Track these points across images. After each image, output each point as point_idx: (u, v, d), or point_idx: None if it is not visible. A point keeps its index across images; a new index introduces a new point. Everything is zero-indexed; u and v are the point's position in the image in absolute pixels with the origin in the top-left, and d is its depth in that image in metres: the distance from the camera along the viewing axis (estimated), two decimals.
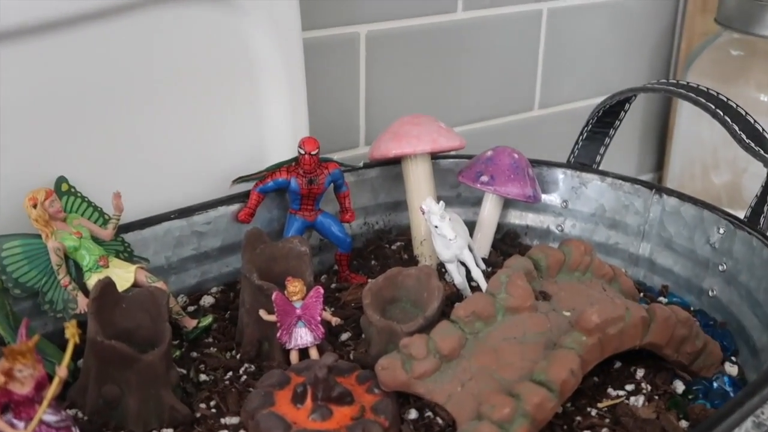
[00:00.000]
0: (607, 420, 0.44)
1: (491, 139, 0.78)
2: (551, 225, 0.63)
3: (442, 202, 0.52)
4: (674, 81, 0.58)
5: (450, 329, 0.45)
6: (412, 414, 0.45)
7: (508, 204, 0.63)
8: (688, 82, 0.57)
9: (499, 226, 0.64)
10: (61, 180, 0.51)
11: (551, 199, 0.63)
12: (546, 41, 0.79)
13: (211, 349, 0.51)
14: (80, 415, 0.44)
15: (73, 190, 0.51)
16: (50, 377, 0.43)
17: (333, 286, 0.59)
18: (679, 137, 0.79)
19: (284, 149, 0.60)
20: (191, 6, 0.55)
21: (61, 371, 0.37)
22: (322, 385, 0.43)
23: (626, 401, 0.46)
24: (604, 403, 0.46)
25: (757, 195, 0.54)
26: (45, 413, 0.38)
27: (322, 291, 0.48)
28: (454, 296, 0.55)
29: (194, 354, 0.51)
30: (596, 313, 0.43)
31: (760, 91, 0.71)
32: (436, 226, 0.53)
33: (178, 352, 0.50)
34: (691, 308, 0.56)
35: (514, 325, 0.45)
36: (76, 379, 0.46)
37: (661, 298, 0.57)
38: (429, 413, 0.45)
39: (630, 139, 0.89)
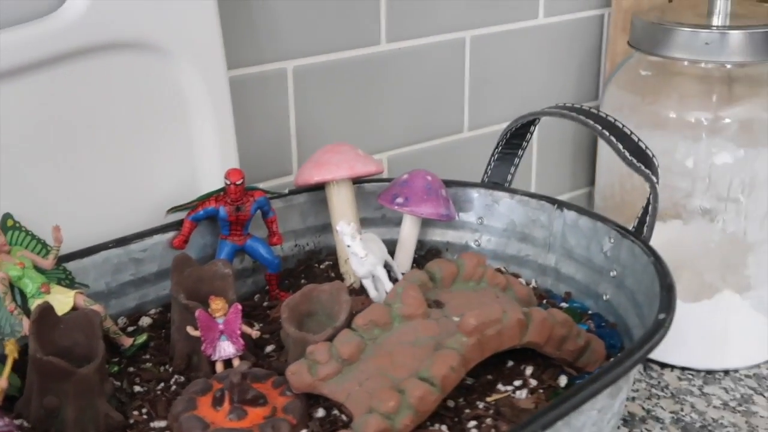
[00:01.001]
0: (491, 411, 0.51)
1: (422, 161, 0.85)
2: (469, 240, 0.70)
3: (352, 223, 0.60)
4: (569, 105, 0.65)
5: (350, 336, 0.52)
6: (320, 412, 0.51)
7: (429, 223, 0.70)
8: (581, 106, 0.65)
9: (422, 243, 0.71)
10: (6, 216, 0.58)
11: (468, 216, 0.70)
12: (471, 66, 0.85)
13: (147, 364, 0.58)
14: (26, 424, 0.51)
15: (17, 224, 0.58)
16: None
17: (265, 304, 0.66)
18: (601, 154, 0.87)
19: (215, 180, 0.66)
20: (121, 53, 0.62)
21: (2, 382, 0.45)
22: (237, 389, 0.50)
23: (512, 395, 0.53)
24: (492, 398, 0.53)
25: (642, 206, 0.62)
26: None
27: (240, 308, 0.55)
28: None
29: (131, 369, 0.57)
30: (474, 317, 0.50)
31: (668, 108, 0.78)
32: (348, 246, 0.61)
33: (116, 368, 0.57)
34: (589, 311, 0.63)
35: (408, 331, 0.52)
36: (22, 394, 0.53)
37: (563, 304, 0.64)
38: (335, 411, 0.51)
39: (564, 156, 0.97)
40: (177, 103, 0.66)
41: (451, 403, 0.52)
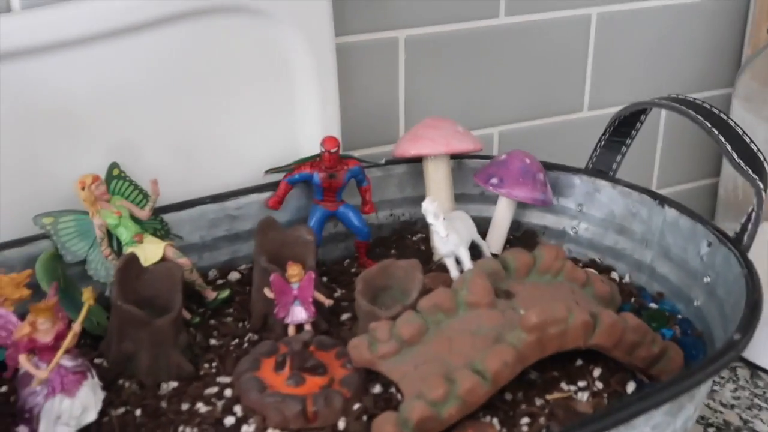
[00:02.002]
0: (546, 411, 0.50)
1: (536, 138, 0.83)
2: (567, 227, 0.69)
3: (436, 202, 0.60)
4: (681, 96, 0.61)
5: (413, 318, 0.52)
6: (377, 388, 0.52)
7: (528, 205, 0.69)
8: (693, 99, 0.61)
9: (520, 224, 0.70)
10: (113, 165, 0.61)
11: (567, 202, 0.68)
12: (596, 45, 0.81)
13: (228, 318, 0.60)
14: (104, 364, 0.54)
15: (122, 174, 0.61)
16: (87, 330, 0.55)
17: (352, 270, 0.67)
18: None
19: (315, 145, 0.66)
20: (231, 16, 0.64)
21: (76, 327, 0.48)
22: (299, 357, 0.52)
23: (573, 396, 0.51)
24: (553, 396, 0.51)
25: (747, 213, 0.58)
26: (63, 359, 0.47)
27: (313, 276, 0.56)
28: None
29: (212, 321, 0.60)
30: (536, 314, 0.49)
31: None
32: (431, 224, 0.61)
33: (198, 319, 0.60)
34: (679, 315, 0.60)
35: (471, 319, 0.52)
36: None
37: (652, 304, 0.62)
38: (392, 389, 0.52)
39: (692, 143, 0.91)
40: (282, 67, 0.67)
41: (508, 396, 0.51)
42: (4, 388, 0.52)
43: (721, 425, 0.72)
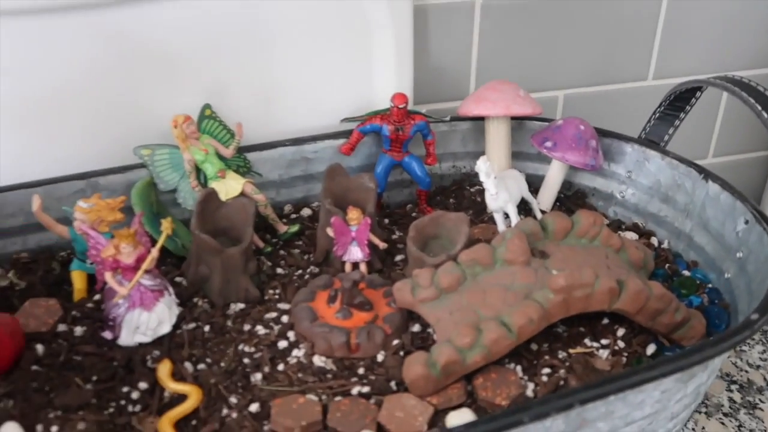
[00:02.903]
0: (567, 364, 0.49)
1: (599, 103, 0.79)
2: (615, 191, 0.65)
3: (489, 162, 0.58)
4: (737, 78, 0.57)
5: (452, 268, 0.51)
6: (416, 328, 0.52)
7: (575, 168, 0.66)
8: (747, 81, 0.56)
9: (571, 185, 0.67)
10: (205, 106, 0.61)
11: (618, 168, 0.65)
12: (667, 12, 0.76)
13: (296, 250, 0.60)
14: (184, 283, 0.55)
15: (213, 114, 0.61)
16: (173, 252, 0.56)
17: (413, 215, 0.66)
18: None
19: (388, 99, 0.64)
20: None
21: (154, 252, 0.49)
22: (348, 293, 0.52)
23: (595, 352, 0.50)
24: (576, 350, 0.50)
25: None
26: (143, 278, 0.48)
27: (369, 221, 0.55)
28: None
29: (282, 252, 0.60)
30: (564, 277, 0.47)
31: None
32: (482, 181, 0.59)
33: (270, 248, 0.60)
34: (709, 285, 0.57)
35: (506, 275, 0.50)
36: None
37: (685, 272, 0.59)
38: (429, 330, 0.51)
39: (747, 117, 0.85)
40: (362, 25, 0.65)
41: (534, 346, 0.50)
42: (97, 296, 0.53)
43: (744, 383, 0.69)
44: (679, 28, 0.78)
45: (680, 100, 0.62)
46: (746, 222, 0.55)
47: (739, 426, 0.65)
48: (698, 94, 0.62)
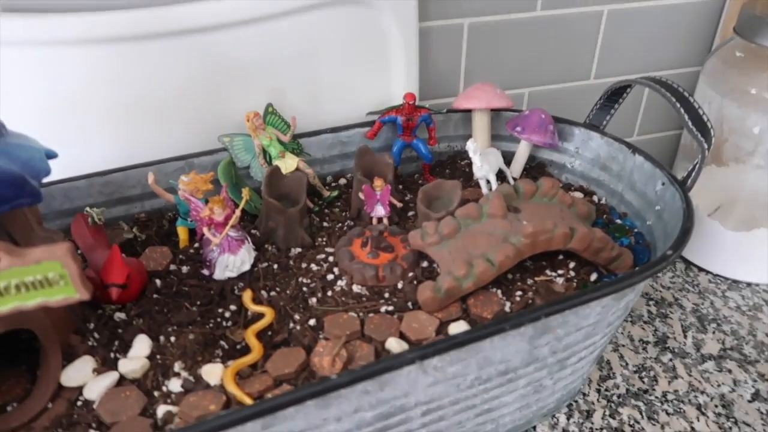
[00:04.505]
0: (534, 288, 0.49)
1: (554, 98, 0.77)
2: (566, 162, 0.64)
3: (475, 143, 0.57)
4: (656, 77, 0.56)
5: (451, 221, 0.51)
6: (424, 264, 0.52)
7: (538, 146, 0.66)
8: (665, 80, 0.55)
9: (534, 158, 0.66)
10: (268, 105, 0.60)
11: (569, 145, 0.63)
12: (605, 32, 0.74)
13: (336, 209, 0.60)
14: (257, 234, 0.55)
15: (274, 111, 0.60)
16: (248, 212, 0.56)
17: (420, 182, 0.65)
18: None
19: (401, 97, 0.65)
20: (349, 7, 0.61)
21: (237, 211, 0.49)
22: (376, 239, 0.52)
23: (553, 280, 0.50)
24: (540, 278, 0.50)
25: (693, 163, 0.53)
26: (230, 231, 0.49)
27: (390, 188, 0.55)
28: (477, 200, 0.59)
29: (326, 210, 0.60)
30: (531, 226, 0.47)
31: (750, 85, 0.64)
32: (471, 157, 0.59)
33: (317, 208, 0.59)
34: (635, 229, 0.57)
35: (490, 225, 0.50)
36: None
37: (618, 220, 0.58)
38: (434, 265, 0.51)
39: (663, 107, 0.84)
40: (380, 43, 0.64)
41: (509, 276, 0.50)
42: (196, 245, 0.54)
43: (659, 300, 0.69)
44: (613, 39, 0.75)
45: (615, 95, 0.61)
46: (663, 184, 0.54)
47: (655, 330, 0.66)
48: (628, 90, 0.61)
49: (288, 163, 0.58)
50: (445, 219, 0.51)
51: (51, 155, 0.40)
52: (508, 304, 0.48)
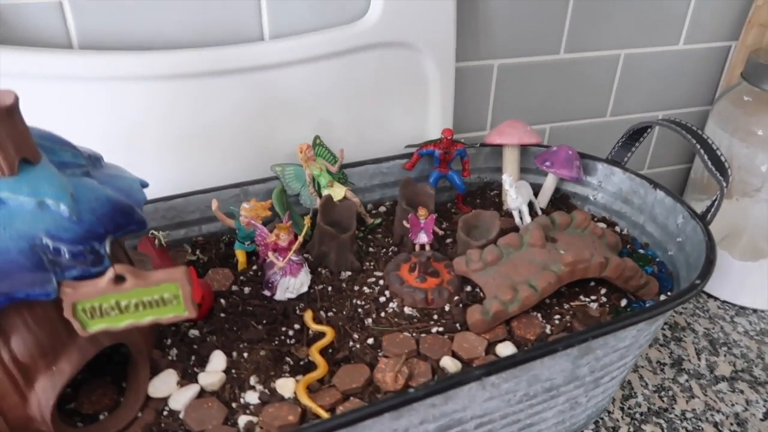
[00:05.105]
0: (570, 312, 0.52)
1: (574, 133, 0.82)
2: (590, 195, 0.68)
3: (511, 177, 0.62)
4: (677, 120, 0.60)
5: (494, 249, 0.54)
6: (468, 288, 0.55)
7: (563, 179, 0.70)
8: (685, 123, 0.60)
9: (559, 190, 0.70)
10: (316, 137, 0.64)
11: (592, 179, 0.68)
12: (621, 75, 0.79)
13: (378, 235, 0.63)
14: (310, 258, 0.58)
15: (322, 143, 0.63)
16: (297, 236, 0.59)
17: (453, 210, 0.68)
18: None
19: (437, 131, 0.69)
20: (393, 49, 0.65)
21: (300, 238, 0.52)
22: (424, 265, 0.55)
23: (588, 305, 0.54)
24: (575, 303, 0.54)
25: (713, 199, 0.57)
26: (293, 255, 0.53)
27: (434, 216, 0.58)
28: (513, 229, 0.62)
29: (370, 237, 0.62)
30: (571, 255, 0.51)
31: (758, 126, 0.69)
32: (506, 189, 0.63)
33: (362, 234, 0.62)
34: (657, 259, 0.61)
35: (530, 253, 0.54)
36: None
37: (641, 250, 0.62)
38: (477, 290, 0.55)
39: (676, 142, 0.89)
40: (421, 81, 0.68)
41: (547, 301, 0.54)
42: (254, 267, 0.57)
43: (672, 324, 0.74)
44: (629, 80, 0.80)
45: (636, 134, 0.66)
46: (684, 218, 0.59)
47: (671, 353, 0.70)
48: (649, 130, 0.66)
49: (337, 192, 0.61)
50: (488, 247, 0.55)
51: (144, 185, 0.44)
52: (548, 326, 0.51)
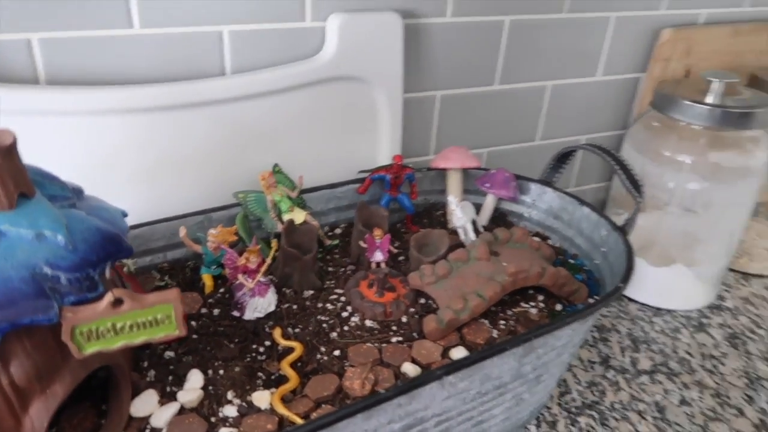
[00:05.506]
0: (514, 318, 0.58)
1: (509, 156, 0.89)
2: (525, 212, 0.74)
3: (456, 198, 0.68)
4: (598, 145, 0.69)
5: (444, 263, 0.59)
6: (422, 301, 0.59)
7: (504, 199, 0.76)
8: (605, 148, 0.68)
9: (498, 209, 0.75)
10: (275, 165, 0.67)
11: (526, 197, 0.74)
12: (549, 102, 0.87)
13: (337, 256, 0.66)
14: (274, 279, 0.60)
15: (281, 171, 0.67)
16: (264, 259, 0.62)
17: (402, 230, 0.72)
18: None
19: (387, 158, 0.73)
20: (345, 83, 0.69)
21: (268, 260, 0.56)
22: (381, 281, 0.59)
23: (528, 311, 0.59)
24: (516, 310, 0.59)
25: (630, 213, 0.65)
26: (260, 277, 0.56)
27: (389, 237, 0.62)
28: (460, 245, 0.66)
29: (329, 257, 0.66)
30: (513, 266, 0.57)
31: (666, 149, 0.79)
32: (453, 210, 0.69)
33: (321, 255, 0.66)
34: (586, 267, 0.67)
35: (477, 267, 0.59)
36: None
37: (571, 260, 0.69)
38: (430, 302, 0.59)
39: (597, 163, 0.99)
40: (372, 111, 0.72)
41: (493, 309, 0.58)
42: (222, 290, 0.59)
43: (600, 326, 0.81)
44: (555, 108, 0.88)
45: (563, 157, 0.73)
46: (607, 230, 0.66)
47: (599, 352, 0.78)
48: (574, 153, 0.74)
49: (297, 216, 0.65)
50: (439, 262, 0.60)
51: (125, 214, 0.47)
52: (495, 331, 0.56)
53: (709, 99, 0.76)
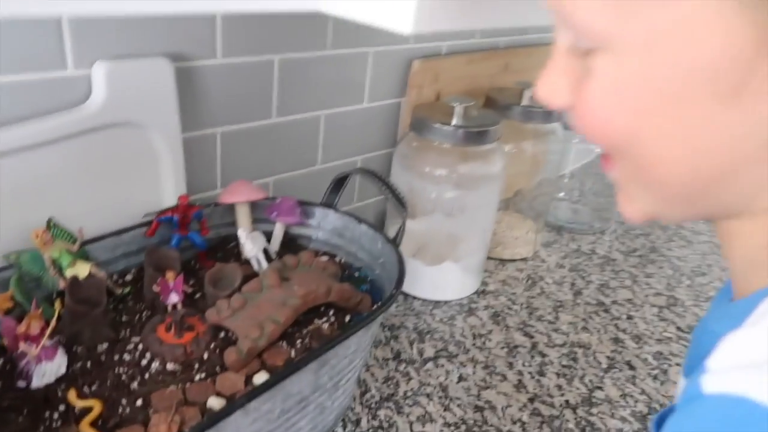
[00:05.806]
0: (308, 335, 0.63)
1: (294, 183, 0.94)
2: (312, 234, 0.80)
3: (245, 230, 0.72)
4: (366, 169, 0.78)
5: (239, 296, 0.62)
6: (222, 334, 0.62)
7: (292, 224, 0.82)
8: (374, 172, 0.77)
9: (288, 234, 0.80)
10: (50, 219, 0.64)
11: (312, 221, 0.79)
12: (325, 130, 0.94)
13: (130, 303, 0.66)
14: (62, 339, 0.58)
15: (56, 224, 0.64)
16: (48, 321, 0.60)
17: (197, 267, 0.73)
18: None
19: (173, 198, 0.74)
20: (118, 127, 0.68)
21: (52, 324, 0.54)
22: (179, 323, 0.60)
23: (321, 326, 0.65)
24: (310, 327, 0.64)
25: (398, 226, 0.76)
26: (45, 340, 0.54)
27: (182, 277, 0.64)
28: (254, 275, 0.70)
29: (121, 306, 0.65)
30: (302, 289, 0.63)
31: (425, 165, 0.91)
32: (243, 242, 0.73)
33: (112, 304, 0.65)
34: (369, 278, 0.75)
35: (270, 294, 0.63)
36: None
37: (356, 273, 0.76)
38: (230, 334, 0.62)
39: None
40: (151, 154, 0.72)
41: (290, 330, 0.63)
42: (1, 360, 0.56)
43: (390, 325, 0.92)
44: (331, 134, 0.96)
45: (340, 181, 0.81)
46: (382, 243, 0.74)
47: (391, 349, 0.87)
48: (349, 178, 0.82)
49: (81, 270, 0.63)
50: (234, 295, 0.64)
51: None
52: (292, 351, 0.61)
53: (454, 121, 0.90)
